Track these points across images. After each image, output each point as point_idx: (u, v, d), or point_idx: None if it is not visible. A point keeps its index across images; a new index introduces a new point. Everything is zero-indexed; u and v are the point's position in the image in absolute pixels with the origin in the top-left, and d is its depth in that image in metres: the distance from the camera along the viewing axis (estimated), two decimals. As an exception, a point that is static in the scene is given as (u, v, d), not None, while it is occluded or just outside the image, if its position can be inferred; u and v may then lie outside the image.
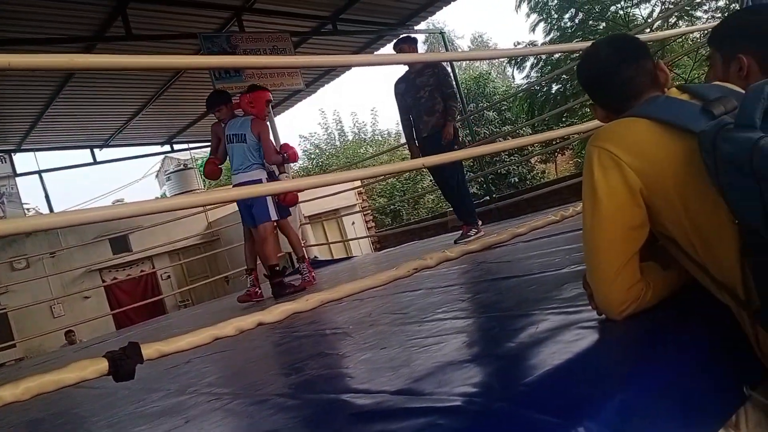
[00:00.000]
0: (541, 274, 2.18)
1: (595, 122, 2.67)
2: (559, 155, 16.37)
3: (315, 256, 7.62)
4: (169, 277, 12.99)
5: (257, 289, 4.66)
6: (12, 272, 10.77)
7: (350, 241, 13.45)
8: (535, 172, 17.09)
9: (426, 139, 4.52)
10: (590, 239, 1.27)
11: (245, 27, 7.76)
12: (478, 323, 1.81)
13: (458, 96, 4.86)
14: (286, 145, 4.68)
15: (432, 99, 4.45)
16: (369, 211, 16.04)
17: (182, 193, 13.34)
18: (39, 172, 12.39)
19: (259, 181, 4.36)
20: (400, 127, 4.97)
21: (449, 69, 4.66)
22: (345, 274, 5.17)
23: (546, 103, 13.47)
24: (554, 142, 9.86)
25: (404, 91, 4.62)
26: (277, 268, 4.55)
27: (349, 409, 1.29)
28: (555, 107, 11.91)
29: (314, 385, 1.61)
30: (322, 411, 1.35)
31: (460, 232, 4.56)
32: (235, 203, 4.95)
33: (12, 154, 12.00)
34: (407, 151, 4.98)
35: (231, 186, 4.39)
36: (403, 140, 4.97)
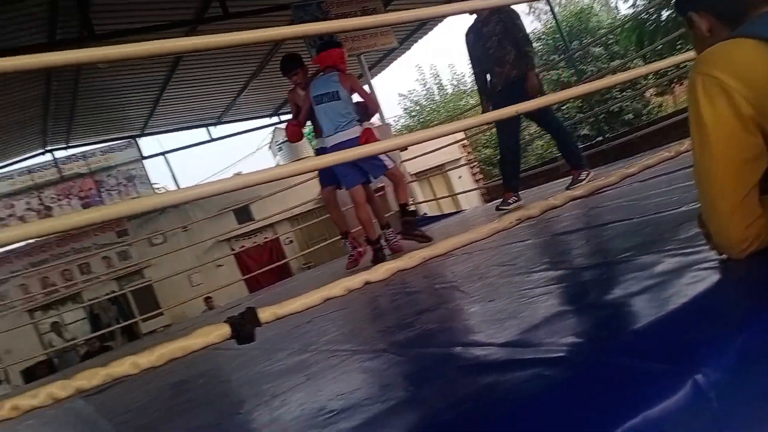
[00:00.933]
0: (656, 215, 2.07)
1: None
2: (677, 85, 15.11)
3: (424, 213, 7.68)
4: (291, 241, 13.65)
5: (359, 249, 4.44)
6: (151, 247, 11.83)
7: (458, 195, 13.39)
8: (651, 106, 16.00)
9: (501, 93, 4.18)
10: (702, 174, 1.17)
11: (334, -8, 7.79)
12: (588, 271, 1.77)
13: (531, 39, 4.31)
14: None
15: (501, 49, 4.14)
16: (475, 163, 15.84)
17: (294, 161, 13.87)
18: (163, 153, 13.37)
19: None
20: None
21: (519, 13, 4.16)
22: (455, 228, 5.18)
23: (656, 32, 12.42)
24: (669, 72, 9.10)
25: (473, 42, 4.35)
26: (408, 207, 4.35)
27: (459, 361, 1.31)
28: (666, 35, 10.95)
29: (425, 340, 1.65)
30: (433, 364, 1.38)
31: (570, 177, 4.38)
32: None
33: (137, 139, 13.02)
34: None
35: (328, 147, 4.06)
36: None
